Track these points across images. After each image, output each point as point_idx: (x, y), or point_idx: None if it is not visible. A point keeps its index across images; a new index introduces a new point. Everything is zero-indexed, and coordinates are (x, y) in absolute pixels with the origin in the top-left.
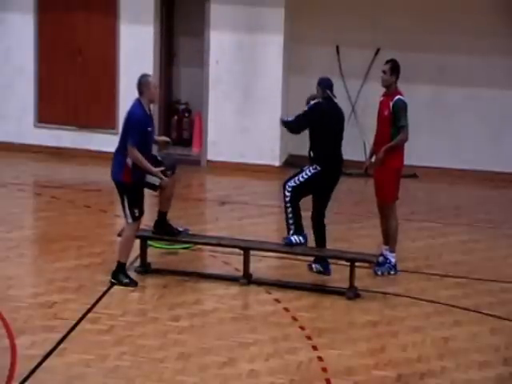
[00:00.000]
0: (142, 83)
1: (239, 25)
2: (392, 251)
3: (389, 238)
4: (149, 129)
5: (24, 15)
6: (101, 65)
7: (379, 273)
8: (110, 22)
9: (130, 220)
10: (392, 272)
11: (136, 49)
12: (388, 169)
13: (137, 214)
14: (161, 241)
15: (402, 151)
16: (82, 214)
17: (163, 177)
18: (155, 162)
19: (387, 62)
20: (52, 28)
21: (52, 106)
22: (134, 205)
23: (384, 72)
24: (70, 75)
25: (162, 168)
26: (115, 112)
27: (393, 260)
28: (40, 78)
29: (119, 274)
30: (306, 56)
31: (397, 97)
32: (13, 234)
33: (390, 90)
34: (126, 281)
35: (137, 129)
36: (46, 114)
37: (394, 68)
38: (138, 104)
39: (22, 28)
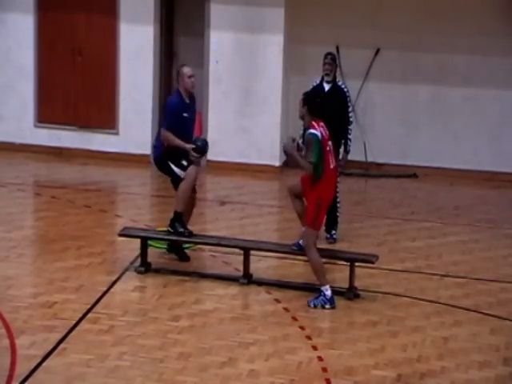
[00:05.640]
0: (178, 73)
1: (239, 25)
2: (324, 284)
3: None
4: (184, 114)
5: (24, 15)
6: (101, 65)
7: (312, 305)
8: (110, 21)
9: (182, 175)
10: (327, 306)
11: (136, 49)
12: (310, 196)
13: (185, 164)
14: (161, 241)
15: (325, 183)
16: (82, 214)
17: (194, 154)
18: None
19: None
20: (52, 28)
21: (52, 106)
22: (179, 160)
23: (299, 103)
24: (70, 75)
25: (193, 146)
26: (115, 112)
27: (328, 293)
28: (40, 78)
29: (175, 223)
30: (306, 56)
31: (308, 130)
32: (13, 233)
33: (305, 122)
34: (181, 230)
35: (170, 113)
36: (46, 114)
37: (304, 100)
38: (176, 92)
39: (22, 28)
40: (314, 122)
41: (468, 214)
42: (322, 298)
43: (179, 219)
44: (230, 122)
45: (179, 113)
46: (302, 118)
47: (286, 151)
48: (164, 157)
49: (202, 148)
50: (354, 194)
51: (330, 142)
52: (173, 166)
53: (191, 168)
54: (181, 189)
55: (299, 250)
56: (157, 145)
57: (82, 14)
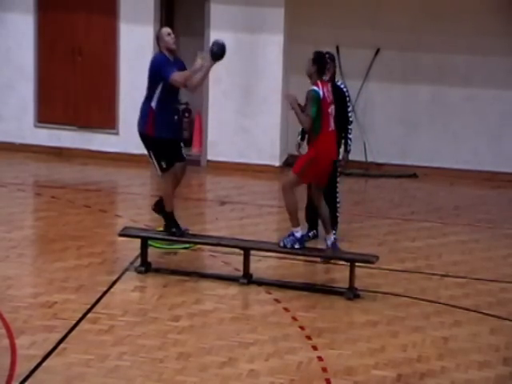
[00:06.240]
0: (157, 37)
1: (239, 25)
2: (295, 226)
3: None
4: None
5: (24, 15)
6: (101, 65)
7: (281, 244)
8: (110, 22)
9: (159, 172)
10: (296, 246)
11: (136, 49)
12: (307, 153)
13: (164, 166)
14: (161, 241)
15: (323, 142)
16: (82, 214)
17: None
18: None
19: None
20: (52, 28)
21: (52, 106)
22: (161, 157)
23: (308, 61)
24: (70, 75)
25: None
26: (115, 112)
27: (298, 234)
28: (40, 77)
29: (169, 223)
30: (306, 56)
31: (311, 87)
32: (13, 233)
33: (312, 80)
34: (173, 230)
35: (164, 64)
36: (45, 114)
37: (315, 59)
38: (158, 53)
39: (22, 28)
40: (319, 82)
41: (468, 214)
42: (292, 237)
43: (170, 218)
44: (230, 122)
45: (170, 65)
46: (309, 76)
47: (289, 102)
48: (149, 141)
49: (220, 51)
50: (354, 194)
51: (332, 106)
52: (153, 157)
53: (168, 173)
54: (162, 192)
55: (299, 251)
56: (141, 119)
57: (82, 14)
